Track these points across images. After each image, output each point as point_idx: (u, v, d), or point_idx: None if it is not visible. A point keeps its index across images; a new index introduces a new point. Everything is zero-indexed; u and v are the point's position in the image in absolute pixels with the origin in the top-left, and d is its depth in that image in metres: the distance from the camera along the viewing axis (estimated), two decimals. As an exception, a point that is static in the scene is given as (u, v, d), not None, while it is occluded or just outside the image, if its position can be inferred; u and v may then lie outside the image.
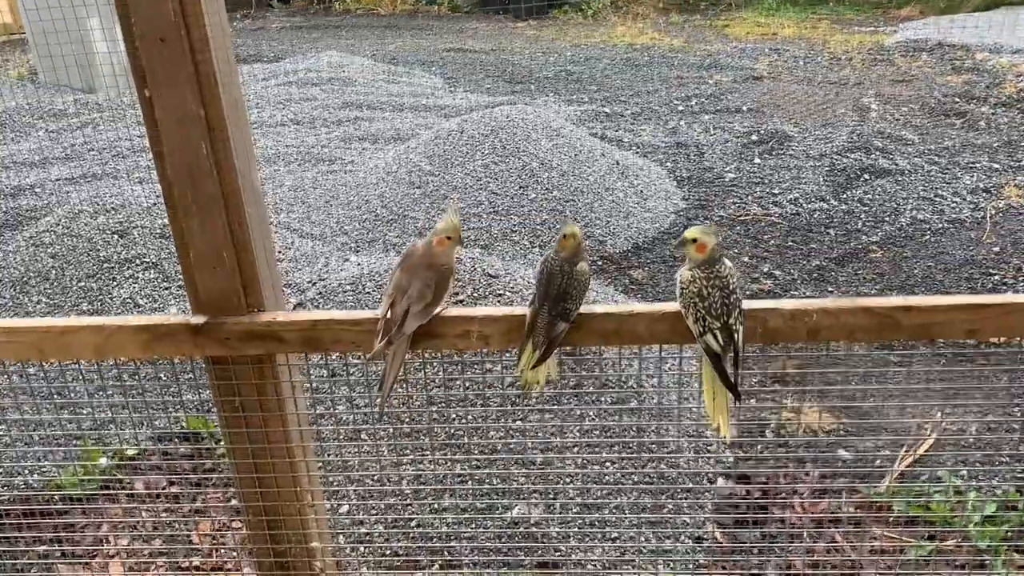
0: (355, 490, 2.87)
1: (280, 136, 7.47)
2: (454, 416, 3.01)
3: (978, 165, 6.15)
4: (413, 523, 2.74)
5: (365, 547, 2.72)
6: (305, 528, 2.14)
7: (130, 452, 3.23)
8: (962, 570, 2.59)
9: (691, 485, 2.99)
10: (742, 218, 5.51)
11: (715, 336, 1.71)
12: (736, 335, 1.71)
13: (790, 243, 5.14)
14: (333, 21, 14.99)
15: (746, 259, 4.94)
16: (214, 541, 2.81)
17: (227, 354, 1.87)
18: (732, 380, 1.74)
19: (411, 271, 1.72)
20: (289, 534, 2.13)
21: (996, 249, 4.85)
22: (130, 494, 3.06)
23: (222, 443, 2.24)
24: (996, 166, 6.12)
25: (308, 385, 3.26)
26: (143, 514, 3.00)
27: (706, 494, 2.95)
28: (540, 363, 1.70)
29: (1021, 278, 4.49)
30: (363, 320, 1.79)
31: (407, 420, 3.03)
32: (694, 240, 1.70)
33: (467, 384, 2.94)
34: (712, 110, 8.01)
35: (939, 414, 3.36)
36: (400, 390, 2.99)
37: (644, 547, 2.72)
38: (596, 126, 7.57)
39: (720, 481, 3.03)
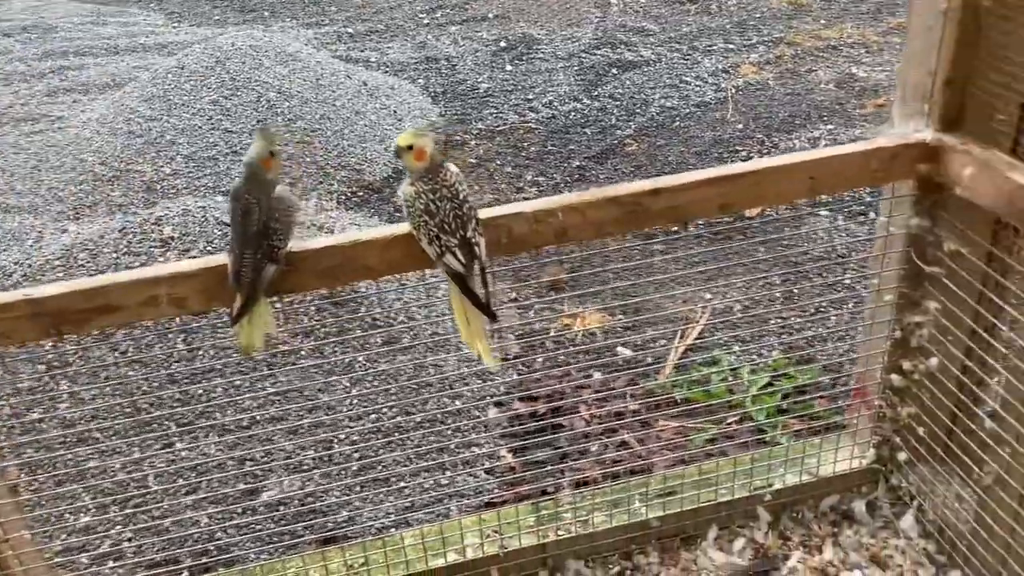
0: (92, 500, 2.43)
1: (-32, 98, 6.35)
2: (200, 391, 2.61)
3: (715, 48, 6.33)
4: (167, 523, 2.36)
5: (114, 562, 2.31)
6: (6, 568, 1.72)
7: None
8: (744, 445, 2.61)
9: (477, 415, 2.81)
10: (500, 128, 5.33)
11: (455, 255, 1.47)
12: (477, 248, 1.48)
13: (550, 148, 5.04)
14: (26, -39, 13.02)
15: (509, 169, 4.78)
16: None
17: None
18: (483, 300, 1.52)
19: None
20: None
21: (740, 126, 5.01)
22: None
23: None
24: (731, 47, 6.34)
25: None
26: None
27: (492, 420, 2.78)
28: (241, 316, 1.39)
29: (765, 151, 4.65)
30: (8, 304, 1.38)
31: (144, 406, 2.60)
32: (409, 147, 1.43)
33: (208, 352, 2.55)
34: (458, 20, 7.72)
35: (707, 295, 3.39)
36: (128, 371, 2.55)
37: (435, 491, 2.51)
38: (340, 48, 7.06)
39: (507, 406, 2.88)
